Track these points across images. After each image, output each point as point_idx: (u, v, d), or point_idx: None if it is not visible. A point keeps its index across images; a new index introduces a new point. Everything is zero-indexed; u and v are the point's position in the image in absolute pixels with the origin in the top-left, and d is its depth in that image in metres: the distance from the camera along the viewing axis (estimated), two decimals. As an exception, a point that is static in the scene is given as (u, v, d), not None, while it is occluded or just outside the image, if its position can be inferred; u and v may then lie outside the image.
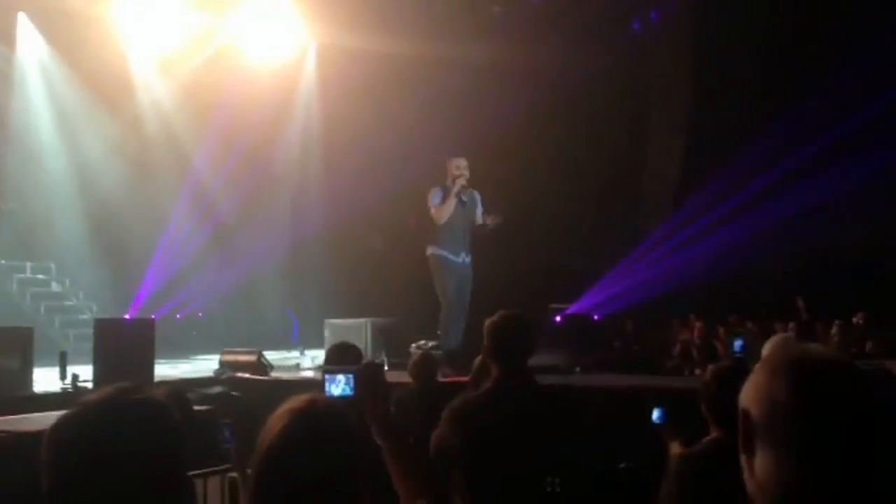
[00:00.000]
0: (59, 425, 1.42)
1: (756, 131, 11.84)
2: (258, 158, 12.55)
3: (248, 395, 6.69)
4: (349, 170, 12.49)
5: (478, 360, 4.56)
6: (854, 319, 7.58)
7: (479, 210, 7.63)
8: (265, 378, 7.20)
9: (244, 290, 12.15)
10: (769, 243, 11.60)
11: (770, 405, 1.16)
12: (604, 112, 12.53)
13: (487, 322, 3.15)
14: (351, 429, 1.66)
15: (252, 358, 7.40)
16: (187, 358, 9.36)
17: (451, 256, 7.44)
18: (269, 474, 1.58)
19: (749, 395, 1.21)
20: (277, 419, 1.63)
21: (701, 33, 12.72)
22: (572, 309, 10.51)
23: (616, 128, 12.77)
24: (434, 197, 7.39)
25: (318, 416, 1.63)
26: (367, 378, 2.09)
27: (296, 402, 1.67)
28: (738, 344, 6.10)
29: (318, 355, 8.55)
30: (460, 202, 7.38)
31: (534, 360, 6.99)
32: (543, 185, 12.22)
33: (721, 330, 8.88)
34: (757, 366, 1.24)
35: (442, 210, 7.30)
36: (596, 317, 10.64)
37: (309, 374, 7.65)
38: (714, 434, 2.79)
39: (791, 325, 8.23)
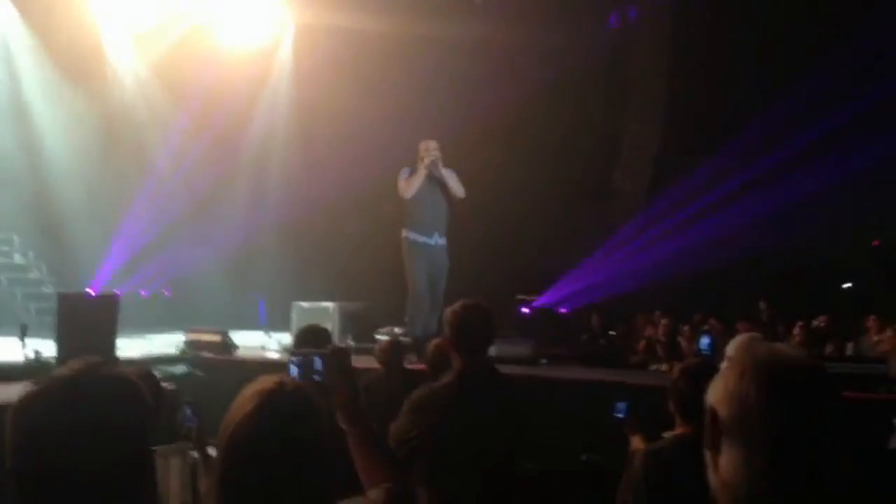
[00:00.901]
0: (25, 401, 1.39)
1: (729, 132, 11.97)
2: (232, 137, 12.42)
3: (212, 374, 6.66)
4: (326, 151, 12.41)
5: (431, 346, 4.57)
6: (815, 322, 7.70)
7: (455, 184, 7.56)
8: (230, 358, 7.16)
9: (212, 269, 12.04)
10: (737, 243, 11.74)
11: (740, 405, 1.20)
12: (580, 105, 12.57)
13: (448, 311, 3.15)
14: (318, 412, 1.65)
15: (217, 338, 7.36)
16: (152, 335, 9.25)
17: (421, 238, 7.41)
18: (236, 456, 1.57)
19: (718, 394, 1.24)
20: (244, 400, 1.61)
21: (678, 34, 12.80)
22: (539, 301, 10.57)
23: (591, 122, 12.83)
24: (402, 174, 7.41)
25: (285, 398, 1.62)
26: (334, 363, 2.08)
27: (263, 383, 1.65)
28: (704, 342, 6.16)
29: (284, 337, 8.52)
30: (429, 180, 7.30)
31: (500, 351, 7.09)
32: (518, 175, 12.24)
33: (685, 327, 8.98)
34: (725, 366, 1.27)
35: (408, 184, 7.25)
36: (563, 310, 10.72)
37: (275, 355, 7.61)
38: (679, 430, 2.83)
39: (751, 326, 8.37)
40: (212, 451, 3.25)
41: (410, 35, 11.38)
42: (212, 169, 12.26)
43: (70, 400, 1.37)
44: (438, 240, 7.44)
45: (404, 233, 7.45)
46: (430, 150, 7.44)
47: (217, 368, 6.76)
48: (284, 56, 12.81)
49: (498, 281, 11.34)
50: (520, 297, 10.37)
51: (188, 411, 3.86)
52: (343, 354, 2.13)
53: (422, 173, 7.31)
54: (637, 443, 3.43)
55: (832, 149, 12.07)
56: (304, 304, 9.09)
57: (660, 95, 13.11)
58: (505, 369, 6.20)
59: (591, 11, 12.80)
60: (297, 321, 9.03)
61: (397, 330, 8.29)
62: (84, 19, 11.18)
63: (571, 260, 12.10)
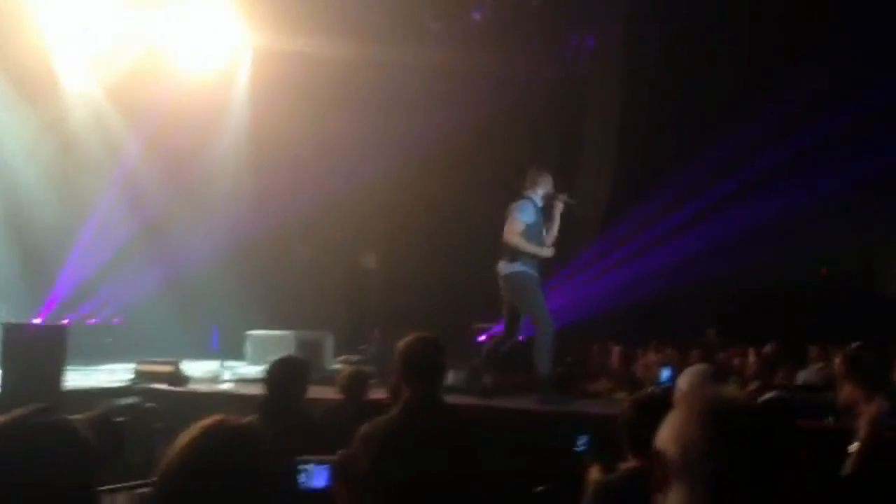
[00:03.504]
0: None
1: (682, 162, 12.18)
2: (186, 161, 12.26)
3: (163, 406, 6.51)
4: (279, 177, 12.33)
5: (391, 377, 4.58)
6: (765, 349, 7.82)
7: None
8: (182, 390, 7.02)
9: (163, 297, 11.83)
10: (689, 271, 11.91)
11: (685, 448, 1.24)
12: (536, 133, 12.71)
13: (399, 344, 3.18)
14: (257, 452, 1.63)
15: (169, 368, 7.22)
16: (100, 366, 9.04)
17: (532, 271, 6.63)
18: (166, 495, 1.56)
19: (666, 436, 1.28)
20: (182, 440, 1.60)
21: (632, 64, 13.05)
22: (497, 329, 10.56)
23: (548, 149, 12.97)
24: (524, 214, 6.46)
25: (220, 436, 1.60)
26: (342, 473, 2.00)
27: (201, 424, 1.64)
28: (666, 374, 6.24)
29: (237, 366, 8.41)
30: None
31: (456, 381, 7.02)
32: (473, 202, 12.30)
33: (640, 355, 9.05)
34: (673, 410, 1.31)
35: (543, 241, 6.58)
36: (520, 338, 10.72)
37: (227, 386, 7.49)
38: (632, 463, 2.84)
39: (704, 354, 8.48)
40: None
41: (366, 60, 11.38)
42: (164, 194, 12.09)
43: (5, 447, 1.35)
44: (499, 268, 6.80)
45: (518, 267, 6.53)
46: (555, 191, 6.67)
47: (170, 400, 6.61)
48: (240, 80, 12.73)
49: (456, 308, 11.35)
50: (477, 325, 10.36)
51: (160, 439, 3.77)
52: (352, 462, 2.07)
53: (557, 221, 6.61)
54: (594, 474, 3.44)
55: (781, 179, 12.37)
56: (259, 333, 8.99)
57: (614, 124, 13.32)
58: (463, 398, 6.25)
59: (548, 40, 12.99)
60: (251, 351, 8.93)
61: (354, 358, 8.23)
62: (37, 41, 10.99)
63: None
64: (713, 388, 1.33)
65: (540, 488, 4.38)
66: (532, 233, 6.46)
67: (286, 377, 4.24)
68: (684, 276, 11.65)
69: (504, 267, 6.52)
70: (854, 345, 8.53)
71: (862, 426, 3.44)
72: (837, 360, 6.93)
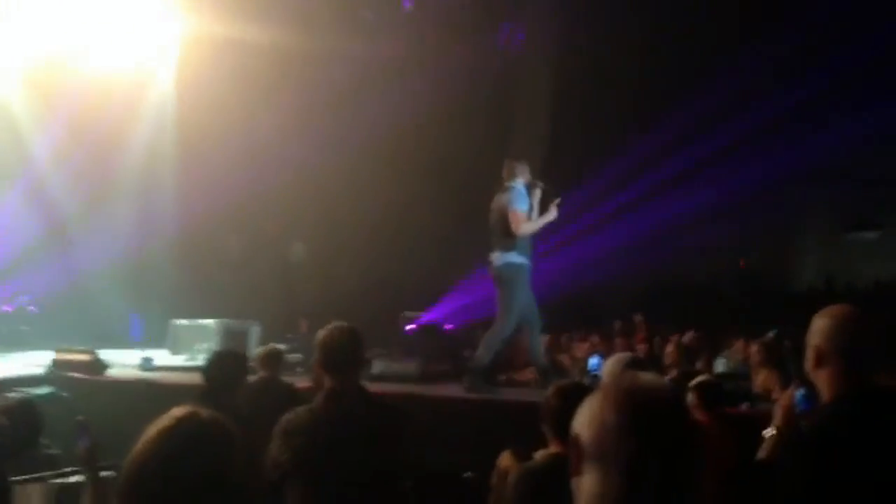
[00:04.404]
0: None
1: (608, 156, 12.41)
2: (109, 152, 11.88)
3: (81, 395, 6.33)
4: (208, 168, 12.06)
5: (315, 366, 4.57)
6: (684, 339, 8.04)
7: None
8: (100, 378, 6.83)
9: (84, 285, 11.47)
10: (616, 262, 12.16)
11: (600, 431, 1.28)
12: (467, 124, 12.75)
13: (319, 334, 3.19)
14: (229, 445, 1.61)
15: (86, 357, 7.01)
16: (16, 354, 8.72)
17: (527, 262, 6.60)
18: (134, 486, 1.53)
19: (581, 420, 1.32)
20: (149, 432, 1.58)
21: (563, 60, 13.20)
22: (425, 318, 10.60)
23: (477, 141, 13.03)
24: (521, 205, 6.47)
25: (191, 430, 1.57)
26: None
27: (173, 415, 1.62)
28: (593, 362, 6.36)
29: (158, 355, 8.22)
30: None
31: (384, 369, 7.02)
32: (405, 192, 12.29)
33: (567, 344, 9.20)
34: (590, 396, 1.35)
35: (532, 225, 6.56)
36: (448, 326, 10.78)
37: (148, 375, 7.31)
38: (553, 449, 2.88)
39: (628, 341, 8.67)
40: (105, 475, 3.11)
41: (299, 49, 11.19)
42: (85, 183, 11.70)
43: None
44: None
45: (514, 258, 6.45)
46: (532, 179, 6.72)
47: (87, 389, 6.42)
48: (169, 70, 12.34)
49: (384, 298, 11.33)
50: (405, 314, 10.37)
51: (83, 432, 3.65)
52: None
53: (552, 213, 6.61)
54: (506, 460, 3.49)
55: (703, 174, 12.72)
56: (182, 322, 8.81)
57: (544, 117, 13.46)
58: (390, 387, 6.26)
59: (480, 33, 13.03)
60: (173, 339, 8.75)
61: (280, 347, 8.14)
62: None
63: (458, 277, 12.22)
64: (629, 375, 1.36)
65: (467, 474, 4.41)
66: (528, 219, 6.56)
67: (223, 371, 4.24)
68: (610, 268, 11.89)
69: (498, 258, 6.49)
70: (770, 333, 8.85)
71: (777, 412, 3.57)
72: (754, 349, 7.21)
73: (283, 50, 11.06)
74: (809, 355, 2.19)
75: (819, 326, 2.17)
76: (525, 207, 6.49)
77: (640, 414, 1.27)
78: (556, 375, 6.35)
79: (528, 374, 7.96)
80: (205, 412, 1.66)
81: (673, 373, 6.24)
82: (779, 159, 12.84)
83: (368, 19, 12.53)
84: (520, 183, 6.58)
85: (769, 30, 11.73)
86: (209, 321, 8.60)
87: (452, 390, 6.82)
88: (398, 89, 12.00)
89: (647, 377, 1.38)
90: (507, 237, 6.40)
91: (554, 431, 2.86)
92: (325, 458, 2.93)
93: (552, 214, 6.61)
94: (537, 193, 6.69)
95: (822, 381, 2.15)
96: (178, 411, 1.63)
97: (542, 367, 6.55)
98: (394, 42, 11.94)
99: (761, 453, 3.52)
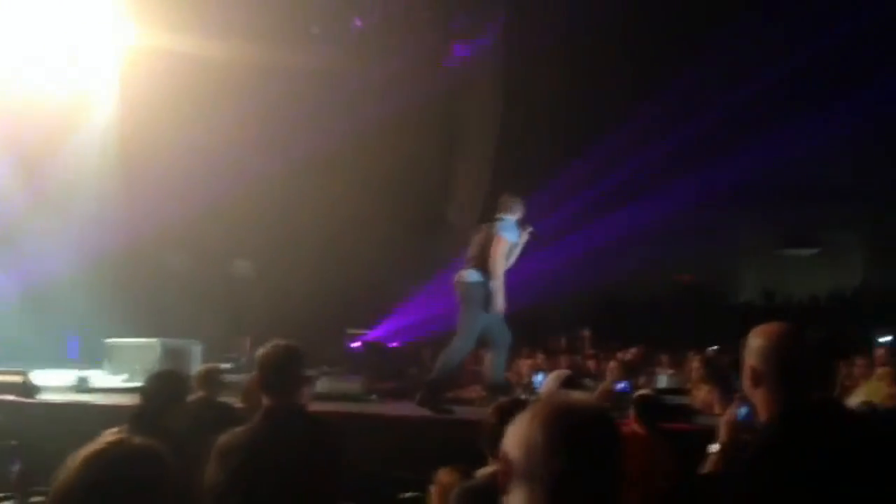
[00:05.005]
0: None
1: (553, 173, 12.54)
2: (43, 166, 11.51)
3: (12, 418, 6.11)
4: (151, 182, 11.77)
5: (247, 384, 4.51)
6: (626, 355, 8.13)
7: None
8: (31, 401, 6.60)
9: (16, 305, 11.09)
10: (561, 279, 12.25)
11: (527, 447, 1.31)
12: (416, 139, 12.76)
13: (258, 353, 3.14)
14: (162, 472, 1.56)
15: (17, 378, 6.76)
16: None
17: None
18: None
19: (510, 440, 1.34)
20: (79, 457, 1.53)
21: (510, 76, 13.34)
22: (371, 335, 10.54)
23: (426, 156, 13.06)
24: (509, 236, 6.57)
25: (119, 457, 1.52)
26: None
27: (103, 441, 1.57)
28: (538, 380, 6.41)
29: (95, 375, 8.00)
30: None
31: (328, 387, 6.94)
32: (352, 207, 12.22)
33: (513, 361, 9.21)
34: (520, 415, 1.37)
35: (505, 262, 6.60)
36: (393, 344, 10.73)
37: (84, 397, 7.09)
38: (493, 468, 2.87)
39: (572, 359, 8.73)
40: (37, 500, 3.01)
41: (246, 61, 11.03)
42: (19, 199, 11.32)
43: None
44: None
45: (481, 279, 6.50)
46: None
47: (16, 412, 6.20)
48: (111, 83, 12.02)
49: (330, 315, 11.23)
50: (350, 331, 10.30)
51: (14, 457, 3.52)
52: None
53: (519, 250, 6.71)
54: (445, 476, 3.48)
55: (647, 192, 12.93)
56: (121, 341, 8.59)
57: (493, 132, 13.55)
58: (334, 405, 6.19)
59: (429, 49, 13.08)
60: (111, 359, 8.53)
61: (219, 365, 8.00)
62: None
63: (404, 294, 12.18)
64: (558, 393, 1.38)
65: (407, 494, 4.37)
66: (509, 254, 6.66)
67: (162, 391, 4.14)
68: (555, 285, 11.96)
69: (470, 275, 6.57)
70: (711, 349, 9.00)
71: (721, 428, 3.61)
72: (694, 364, 7.32)
73: (229, 63, 10.89)
74: (746, 375, 2.22)
75: (753, 346, 2.20)
76: (513, 239, 6.61)
77: (566, 432, 1.30)
78: (504, 394, 6.38)
79: (474, 392, 7.95)
80: (136, 437, 1.60)
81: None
82: (719, 176, 13.14)
83: (317, 35, 12.48)
84: (512, 218, 6.68)
85: (706, 47, 12.02)
86: (147, 340, 8.39)
87: (397, 408, 6.78)
88: (346, 103, 11.96)
89: (576, 395, 1.43)
90: (484, 259, 6.50)
91: (492, 450, 2.85)
92: (261, 479, 2.89)
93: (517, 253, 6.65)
94: (524, 236, 6.76)
95: (759, 400, 2.19)
96: (107, 436, 1.57)
97: (494, 386, 6.55)
98: (343, 56, 11.90)
99: (705, 468, 3.55)
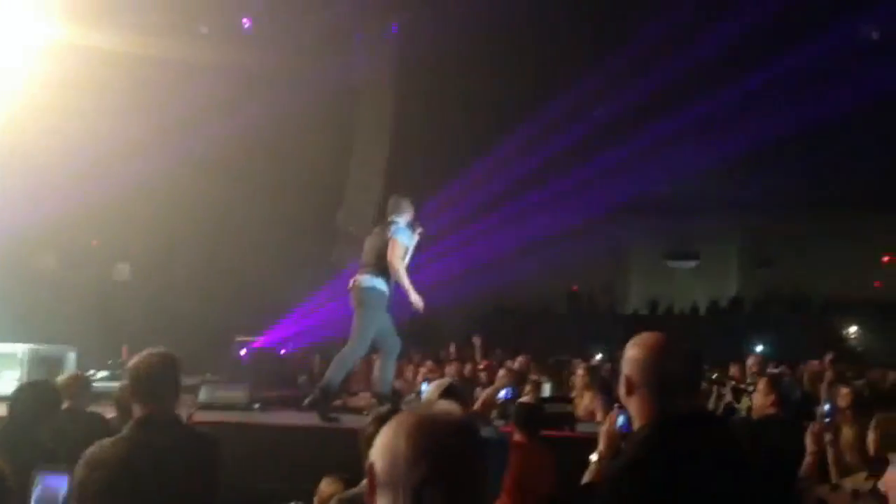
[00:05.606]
0: None
1: (448, 179, 12.63)
2: None
3: None
4: (22, 177, 11.13)
5: (119, 393, 4.39)
6: (514, 364, 8.24)
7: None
8: None
9: None
10: (454, 286, 12.32)
11: (391, 457, 1.34)
12: (308, 143, 12.58)
13: (131, 362, 3.11)
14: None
15: None
16: None
17: (387, 290, 6.66)
18: None
19: (376, 449, 1.38)
20: None
21: (402, 82, 13.35)
22: (259, 342, 10.30)
23: (317, 163, 12.88)
24: (404, 236, 6.53)
25: None
26: None
27: None
28: (425, 388, 6.40)
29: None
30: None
31: (211, 396, 6.73)
32: (241, 210, 11.95)
33: (401, 368, 9.20)
34: (385, 426, 1.40)
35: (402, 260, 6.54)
36: (282, 351, 10.53)
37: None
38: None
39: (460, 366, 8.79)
40: None
41: (130, 54, 10.55)
42: None
43: None
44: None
45: (379, 284, 6.48)
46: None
47: None
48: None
49: (217, 322, 10.93)
50: (238, 338, 10.04)
51: None
52: None
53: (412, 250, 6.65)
54: (327, 486, 3.44)
55: (541, 201, 13.18)
56: (-15, 347, 8.06)
57: (386, 134, 13.53)
58: (217, 415, 6.00)
59: (321, 47, 12.90)
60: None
61: (97, 374, 7.65)
62: None
63: (294, 300, 11.98)
64: (423, 403, 1.39)
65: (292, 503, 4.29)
66: (404, 255, 6.61)
67: (31, 403, 3.98)
68: (446, 294, 12.01)
69: (365, 280, 6.50)
70: (595, 358, 9.23)
71: (600, 437, 3.69)
72: (579, 372, 7.49)
73: (110, 56, 10.42)
74: (621, 384, 2.27)
75: (629, 356, 2.25)
76: (407, 242, 6.58)
77: (428, 442, 1.32)
78: (391, 402, 6.36)
79: (362, 400, 7.89)
80: None
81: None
82: (608, 189, 13.53)
83: (205, 35, 12.15)
84: (403, 219, 6.64)
85: (603, 52, 12.34)
86: (15, 346, 7.90)
87: (281, 417, 6.65)
88: (233, 101, 11.65)
89: (443, 405, 1.43)
90: (379, 264, 6.46)
91: (371, 458, 2.83)
92: (131, 492, 2.80)
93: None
94: (416, 237, 6.74)
95: (633, 408, 2.24)
96: None
97: (382, 394, 6.53)
98: (232, 51, 11.61)
99: (586, 477, 3.62)
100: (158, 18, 11.18)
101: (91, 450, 2.89)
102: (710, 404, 6.18)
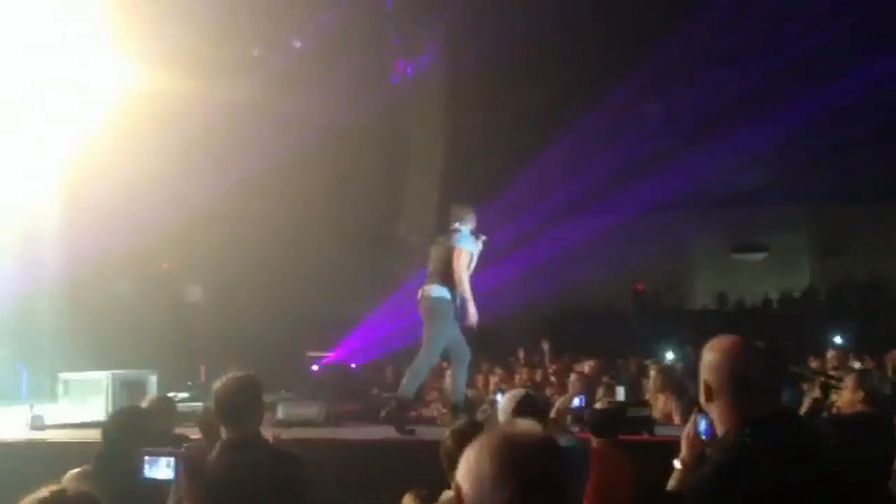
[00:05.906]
0: None
1: (506, 184, 12.62)
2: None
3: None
4: (93, 209, 11.51)
5: (203, 416, 4.47)
6: (584, 368, 8.16)
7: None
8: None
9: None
10: (516, 291, 12.30)
11: (476, 479, 1.35)
12: (363, 158, 12.75)
13: (215, 385, 3.19)
14: None
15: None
16: None
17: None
18: None
19: (462, 472, 1.39)
20: None
21: (456, 92, 13.40)
22: (330, 357, 10.44)
23: (374, 176, 13.03)
24: (467, 245, 6.56)
25: None
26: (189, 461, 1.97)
27: (37, 495, 1.59)
28: (499, 398, 6.38)
29: (48, 411, 7.78)
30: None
31: (287, 413, 6.85)
32: (301, 229, 12.13)
33: (473, 377, 9.22)
34: (469, 447, 1.41)
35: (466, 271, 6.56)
36: (354, 364, 10.65)
37: (38, 434, 6.90)
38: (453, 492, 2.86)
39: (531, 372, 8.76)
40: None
41: (187, 90, 10.89)
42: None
43: None
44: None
45: (446, 294, 6.47)
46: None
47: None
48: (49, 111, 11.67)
49: (288, 338, 11.12)
50: (310, 354, 10.19)
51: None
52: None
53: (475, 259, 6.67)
54: (407, 502, 3.48)
55: (597, 201, 13.07)
56: (73, 375, 8.37)
57: (441, 145, 13.59)
58: (296, 432, 6.11)
59: (372, 71, 13.08)
60: (64, 393, 8.32)
61: (178, 395, 7.86)
62: None
63: (361, 313, 12.11)
64: (509, 423, 1.42)
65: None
66: (468, 264, 6.62)
67: (123, 430, 3.97)
68: (509, 298, 12.00)
69: (434, 290, 6.52)
70: (667, 358, 9.08)
71: (682, 442, 3.64)
72: (652, 374, 7.39)
73: (167, 91, 10.76)
74: (701, 389, 2.25)
75: (706, 361, 2.24)
76: (471, 249, 6.59)
77: (513, 463, 1.34)
78: (465, 412, 6.39)
79: (435, 410, 7.94)
80: (73, 489, 1.60)
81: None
82: (668, 184, 13.34)
83: (257, 58, 12.40)
84: (466, 227, 6.66)
85: (653, 55, 12.20)
86: (101, 373, 8.18)
87: (358, 432, 6.72)
88: (295, 127, 11.88)
89: (524, 424, 1.44)
90: (446, 273, 6.46)
91: (452, 473, 2.85)
92: None
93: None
94: (479, 245, 6.75)
95: (715, 413, 2.23)
96: (45, 490, 1.57)
97: (456, 404, 6.54)
98: (284, 77, 11.84)
99: (671, 484, 3.57)
100: (213, 51, 11.47)
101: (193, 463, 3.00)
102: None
